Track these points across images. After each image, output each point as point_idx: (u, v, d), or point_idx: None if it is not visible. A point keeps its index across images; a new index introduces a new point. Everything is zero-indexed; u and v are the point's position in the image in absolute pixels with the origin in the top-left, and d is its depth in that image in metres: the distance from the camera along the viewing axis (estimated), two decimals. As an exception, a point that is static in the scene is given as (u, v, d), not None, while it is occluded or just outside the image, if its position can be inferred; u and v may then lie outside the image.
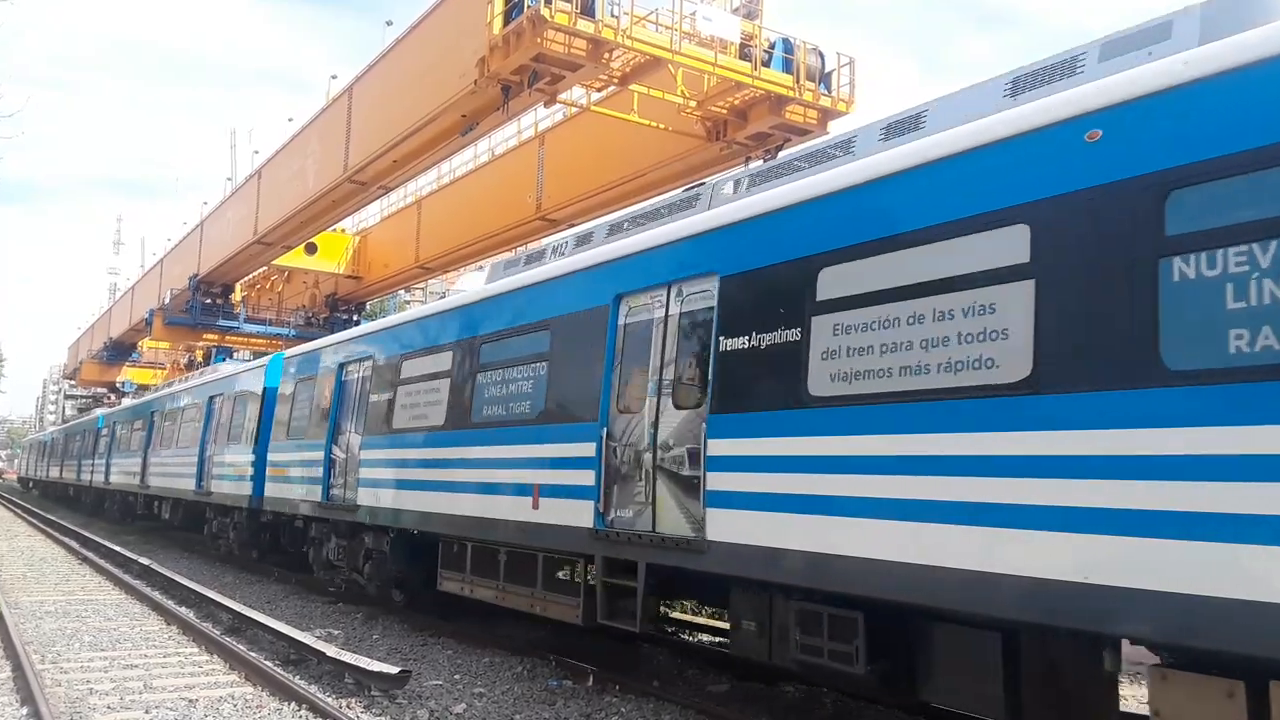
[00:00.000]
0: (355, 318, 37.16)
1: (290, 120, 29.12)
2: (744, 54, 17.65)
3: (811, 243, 6.68)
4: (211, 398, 21.40)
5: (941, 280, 5.71)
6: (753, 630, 7.10)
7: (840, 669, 6.33)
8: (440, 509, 11.06)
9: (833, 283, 6.47)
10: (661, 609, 11.40)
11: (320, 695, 8.59)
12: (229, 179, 43.50)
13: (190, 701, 8.56)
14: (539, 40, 15.81)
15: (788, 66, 17.94)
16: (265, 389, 17.77)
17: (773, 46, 17.95)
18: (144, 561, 18.13)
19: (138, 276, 52.19)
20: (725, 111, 18.72)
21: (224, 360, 35.11)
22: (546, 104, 19.06)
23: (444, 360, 11.45)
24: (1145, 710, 5.58)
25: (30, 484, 64.53)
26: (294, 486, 15.38)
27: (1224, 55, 4.72)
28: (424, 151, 21.38)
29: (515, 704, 8.76)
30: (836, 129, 18.97)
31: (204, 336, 38.33)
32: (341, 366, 14.35)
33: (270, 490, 16.58)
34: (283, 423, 16.19)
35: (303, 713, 8.23)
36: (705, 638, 12.23)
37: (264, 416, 17.42)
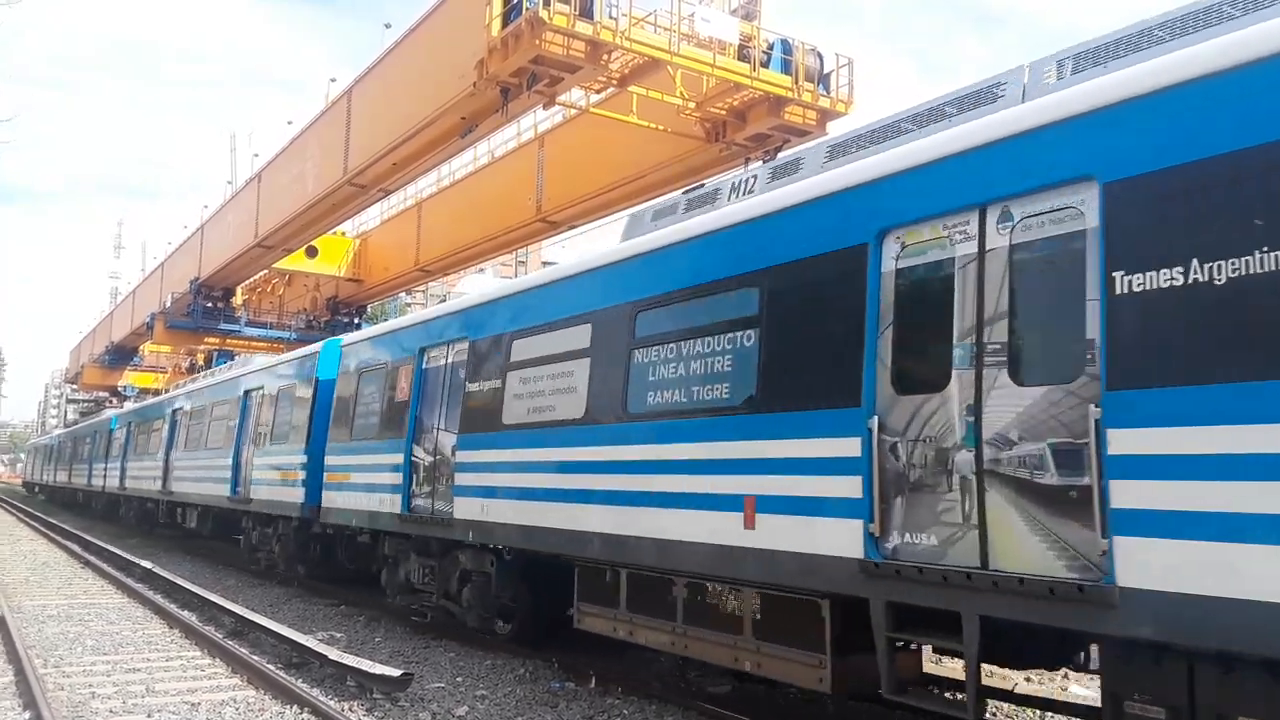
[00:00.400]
0: (356, 321, 37.18)
1: (290, 123, 29.13)
2: (742, 55, 17.65)
3: None
4: (247, 393, 19.17)
5: None
6: None
7: None
8: (578, 525, 8.82)
9: None
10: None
11: (323, 698, 8.61)
12: (229, 182, 43.58)
13: (193, 705, 8.58)
14: (537, 42, 15.82)
15: (786, 67, 17.94)
16: (317, 381, 15.60)
17: (771, 47, 17.95)
18: (146, 565, 18.14)
19: (139, 280, 52.24)
20: (724, 113, 18.72)
21: (225, 363, 35.16)
22: (545, 106, 19.06)
23: (577, 336, 9.21)
24: None
25: (36, 489, 62.74)
26: (361, 495, 13.25)
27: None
28: (423, 154, 21.39)
29: (517, 706, 8.77)
30: (835, 130, 19.01)
31: (205, 340, 38.34)
32: (423, 352, 12.11)
33: (329, 499, 14.46)
34: (344, 420, 14.13)
35: (305, 716, 8.24)
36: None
37: (316, 413, 15.33)
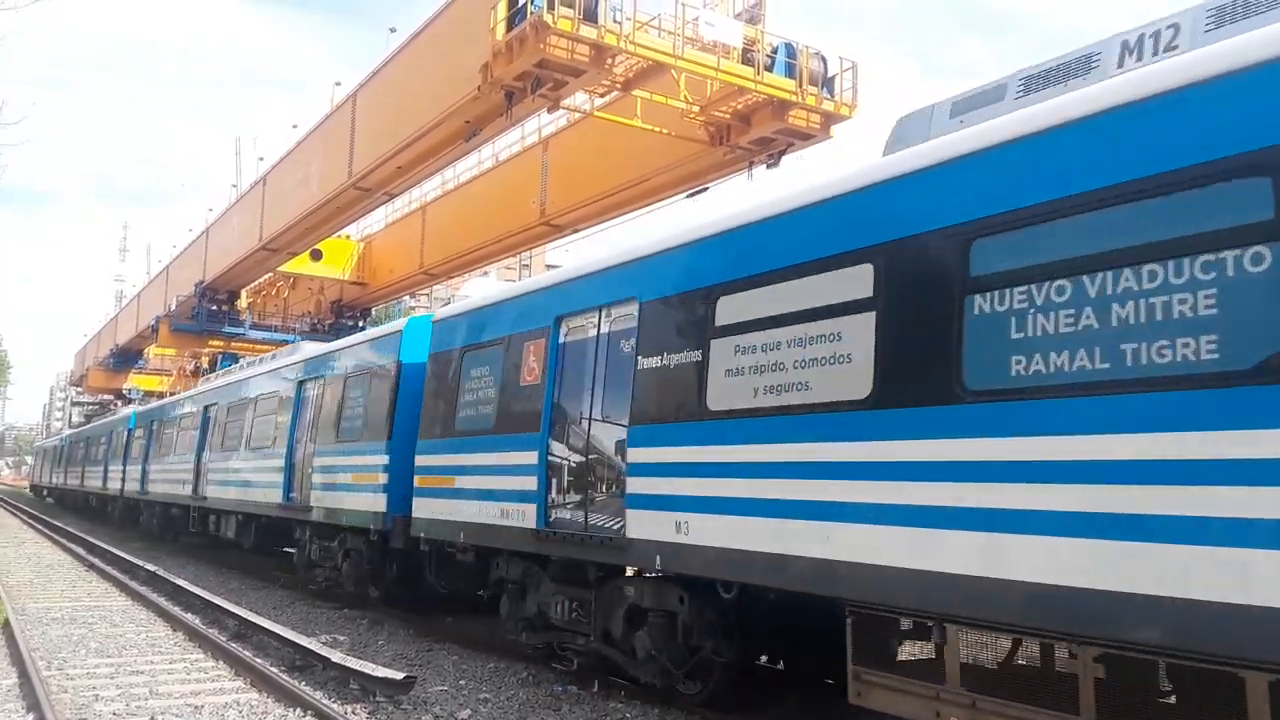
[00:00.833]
0: (361, 324, 37.23)
1: (295, 127, 29.15)
2: (746, 59, 17.66)
3: None
4: (302, 383, 16.57)
5: None
6: None
7: None
8: (861, 555, 6.14)
9: None
10: None
11: (325, 701, 8.62)
12: (234, 185, 43.70)
13: (196, 708, 8.58)
14: (542, 46, 15.85)
15: (790, 71, 17.95)
16: (400, 366, 13.15)
17: (775, 51, 17.96)
18: (150, 568, 18.17)
19: (144, 283, 52.36)
20: (728, 116, 18.74)
21: (231, 365, 35.18)
22: (550, 110, 19.10)
23: (847, 283, 6.55)
24: None
25: (45, 492, 59.22)
26: (471, 504, 10.69)
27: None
28: (428, 158, 21.43)
29: (520, 709, 8.77)
30: (840, 133, 19.03)
31: (210, 343, 38.40)
32: (561, 321, 9.62)
33: (422, 508, 11.78)
34: (442, 411, 11.61)
35: (308, 719, 8.24)
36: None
37: (400, 404, 12.91)
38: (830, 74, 18.41)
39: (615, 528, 8.38)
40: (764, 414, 7.02)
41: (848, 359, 6.49)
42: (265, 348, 37.53)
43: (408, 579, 13.37)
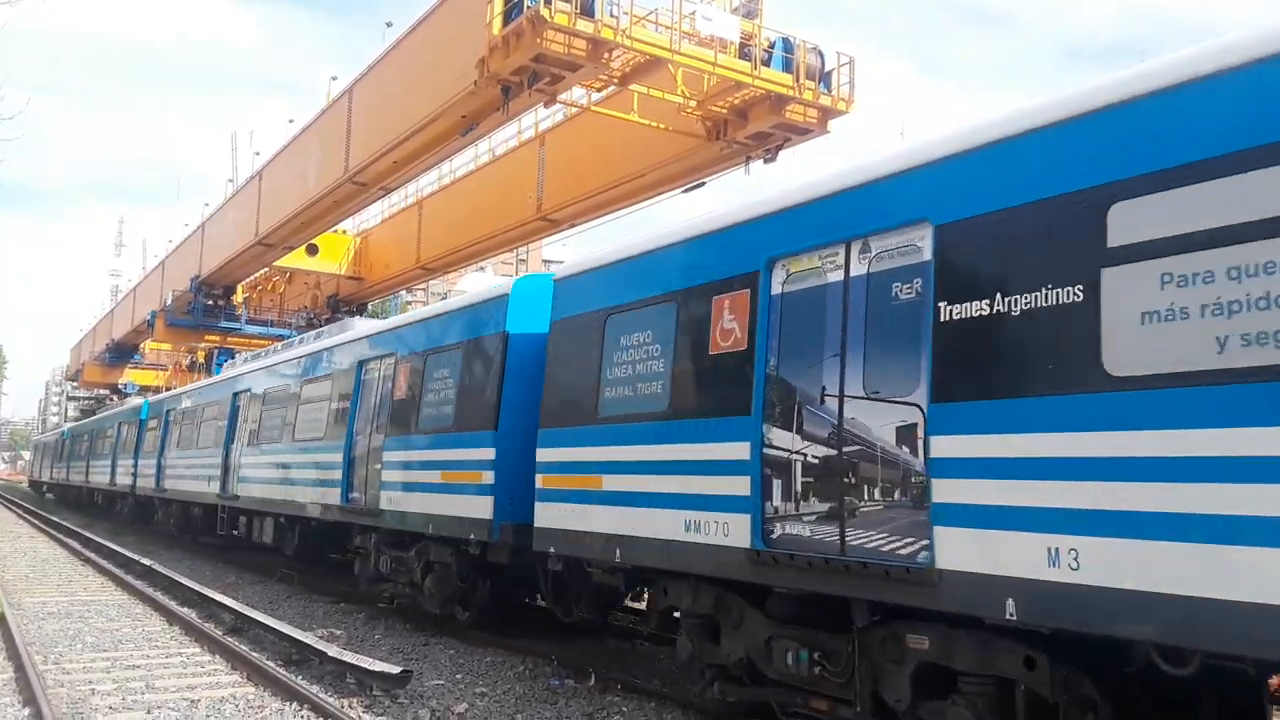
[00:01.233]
0: (357, 319, 37.20)
1: (291, 122, 29.12)
2: (744, 53, 17.68)
3: None
4: (363, 363, 13.97)
5: None
6: None
7: None
8: None
9: None
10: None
11: (322, 695, 8.61)
12: (230, 180, 43.62)
13: (192, 702, 8.58)
14: (539, 40, 15.84)
15: (788, 66, 17.96)
16: (507, 339, 10.61)
17: (772, 46, 17.98)
18: (146, 562, 18.15)
19: (139, 278, 52.30)
20: (725, 111, 18.74)
21: (227, 360, 35.14)
22: (546, 104, 19.10)
23: None
24: None
25: (45, 488, 56.57)
26: (633, 513, 8.09)
27: None
28: (424, 152, 21.41)
29: (517, 703, 8.77)
30: (837, 128, 19.04)
31: (206, 338, 38.42)
32: (775, 265, 7.05)
33: (554, 515, 9.13)
34: (576, 393, 9.12)
35: (305, 713, 8.24)
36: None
37: (507, 385, 10.47)
38: (828, 69, 18.42)
39: (908, 552, 5.78)
40: (1242, 378, 4.32)
41: None
42: (261, 342, 37.46)
43: (504, 599, 11.58)
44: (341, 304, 37.87)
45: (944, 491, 5.57)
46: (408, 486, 12.12)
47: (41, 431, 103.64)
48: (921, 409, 5.78)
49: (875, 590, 6.04)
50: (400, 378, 12.75)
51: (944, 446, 5.63)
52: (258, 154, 34.33)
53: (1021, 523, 5.13)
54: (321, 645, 10.09)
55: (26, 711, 8.19)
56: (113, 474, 32.16)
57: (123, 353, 53.39)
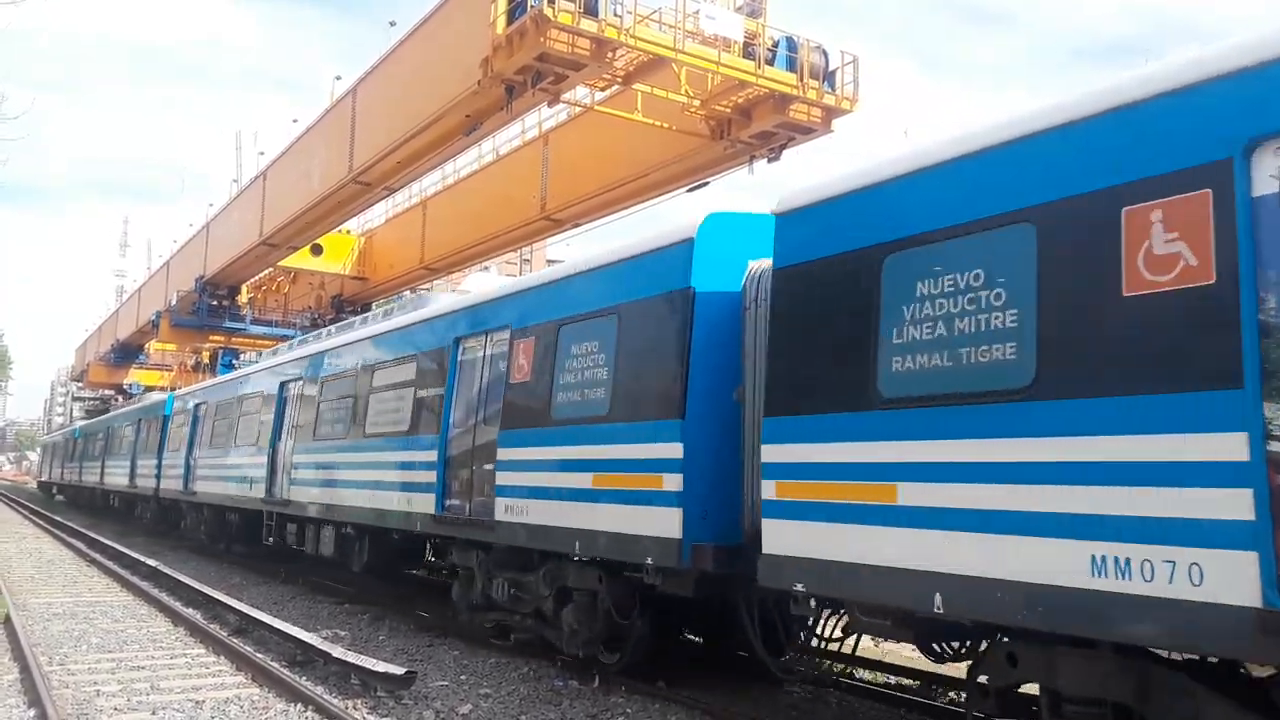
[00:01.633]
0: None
1: (295, 121, 29.10)
2: (747, 53, 17.64)
3: None
4: (460, 341, 11.54)
5: None
6: None
7: None
8: None
9: None
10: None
11: (326, 696, 8.61)
12: (234, 180, 43.66)
13: (197, 703, 8.58)
14: (542, 40, 15.82)
15: (791, 65, 17.93)
16: (693, 299, 8.07)
17: (776, 45, 17.94)
18: (151, 563, 18.17)
19: (144, 278, 52.35)
20: (729, 110, 18.71)
21: (231, 361, 35.14)
22: (550, 104, 19.07)
23: None
24: None
25: (55, 490, 54.94)
26: (971, 542, 5.57)
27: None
28: (428, 152, 21.39)
29: (521, 704, 8.76)
30: (841, 127, 19.00)
31: (210, 338, 38.43)
32: (1256, 147, 4.54)
33: (802, 538, 6.73)
34: (833, 366, 6.72)
35: (309, 713, 8.24)
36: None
37: (695, 360, 7.97)
38: (831, 68, 18.38)
39: None
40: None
41: None
42: (266, 342, 37.53)
43: (662, 637, 9.55)
44: (346, 304, 37.88)
45: None
46: (538, 493, 9.56)
47: (47, 432, 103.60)
48: None
49: None
50: (519, 356, 10.23)
51: None
52: (262, 154, 34.36)
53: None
54: (326, 646, 10.10)
55: (32, 712, 8.20)
56: (132, 475, 29.86)
57: (128, 353, 53.44)
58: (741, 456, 7.76)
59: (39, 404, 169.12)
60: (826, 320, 6.78)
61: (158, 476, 26.30)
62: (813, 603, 6.80)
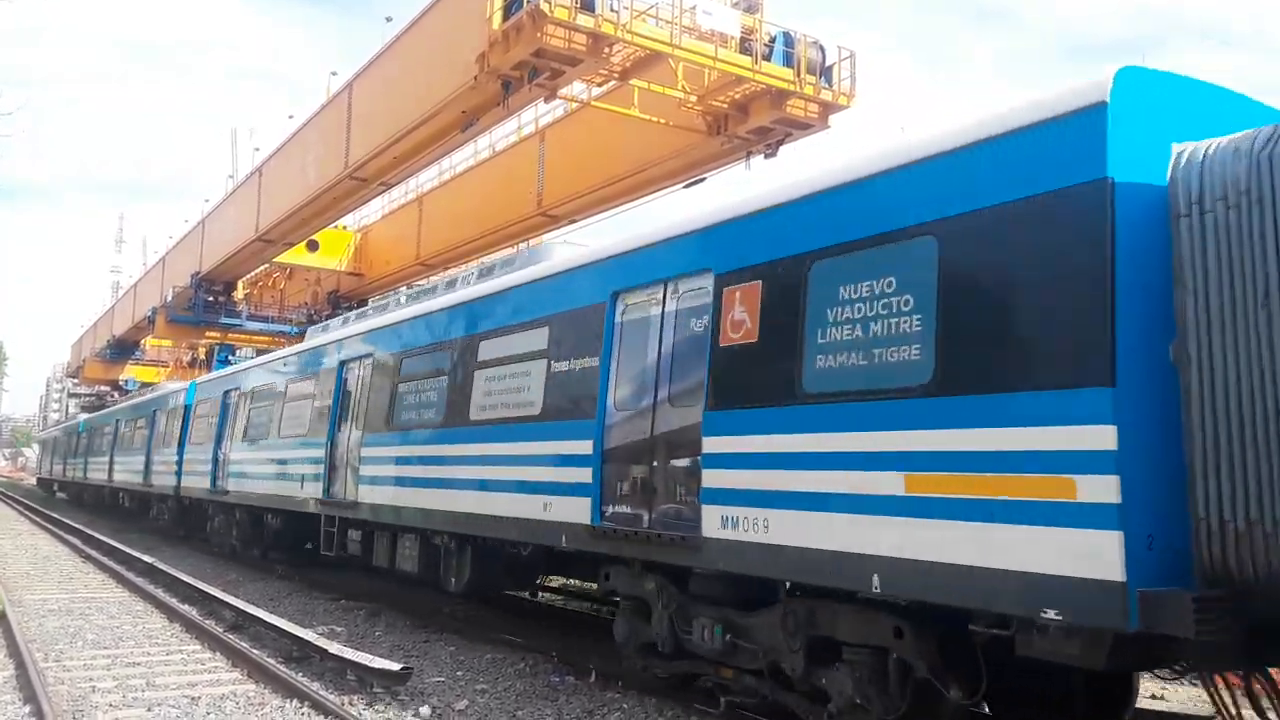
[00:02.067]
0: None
1: (291, 117, 29.01)
2: (744, 48, 17.63)
3: None
4: (617, 296, 8.92)
5: None
6: None
7: None
8: None
9: None
10: None
11: (322, 692, 8.60)
12: (230, 176, 43.58)
13: (193, 699, 8.57)
14: (539, 35, 15.80)
15: (788, 60, 17.91)
16: (1113, 192, 5.20)
17: (773, 40, 17.93)
18: (147, 560, 18.15)
19: (140, 274, 52.26)
20: (726, 106, 18.69)
21: (227, 357, 35.10)
22: (547, 99, 19.03)
23: None
24: None
25: (56, 487, 52.85)
26: None
27: None
28: (424, 148, 21.35)
29: (517, 700, 8.76)
30: (838, 123, 18.99)
31: (206, 334, 38.40)
32: None
33: None
34: None
35: (305, 709, 8.23)
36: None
37: (1126, 295, 5.12)
38: (828, 63, 18.38)
39: None
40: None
41: None
42: (261, 339, 37.57)
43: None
44: (342, 300, 37.83)
45: None
46: (786, 500, 6.77)
47: (43, 428, 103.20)
48: None
49: None
50: (734, 309, 7.46)
51: None
52: (257, 150, 34.25)
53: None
54: (322, 642, 10.09)
55: (27, 709, 8.18)
56: (147, 471, 27.10)
57: (124, 349, 53.35)
58: (1187, 448, 5.06)
59: (35, 400, 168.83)
60: None
61: (178, 474, 23.49)
62: None
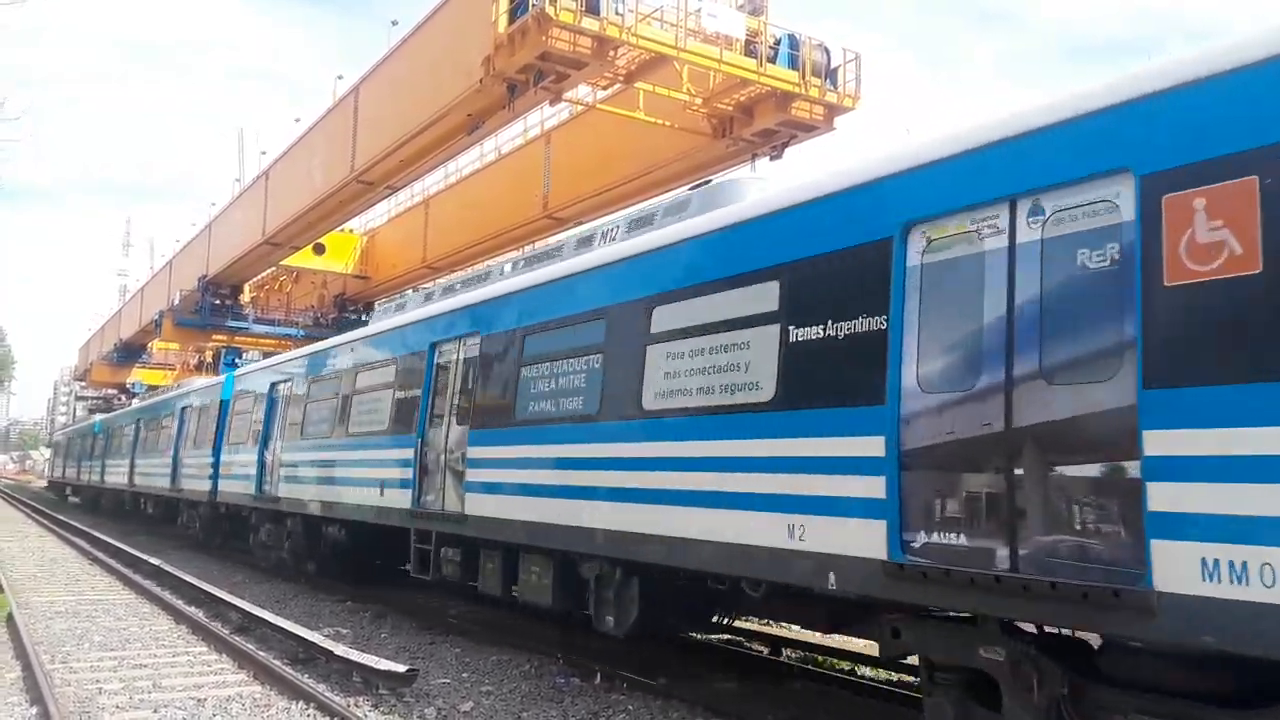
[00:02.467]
0: (364, 318, 37.23)
1: (297, 121, 29.09)
2: (749, 50, 17.65)
3: None
4: (910, 227, 6.17)
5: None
6: None
7: None
8: None
9: None
10: None
11: (328, 694, 8.61)
12: (237, 180, 43.72)
13: (199, 701, 8.58)
14: (544, 38, 15.83)
15: (793, 62, 17.93)
16: None
17: (778, 43, 17.95)
18: (154, 562, 18.18)
19: (147, 278, 52.41)
20: (731, 108, 18.71)
21: (234, 362, 35.14)
22: (552, 102, 19.09)
23: None
24: None
25: (69, 491, 49.73)
26: None
27: None
28: (430, 151, 21.39)
29: (523, 702, 8.76)
30: (843, 125, 18.99)
31: (213, 337, 38.47)
32: None
33: None
34: None
35: (311, 711, 8.24)
36: (714, 636, 12.20)
37: None
38: (833, 65, 18.39)
39: None
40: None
41: None
42: (268, 342, 37.63)
43: None
44: (348, 303, 37.94)
45: None
46: None
47: (50, 431, 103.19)
48: None
49: None
50: (1194, 226, 4.77)
51: None
52: (264, 153, 34.34)
53: None
54: (328, 644, 10.10)
55: (34, 710, 8.21)
56: (175, 475, 24.49)
57: (131, 352, 53.48)
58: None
59: (42, 404, 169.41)
60: None
61: (214, 477, 20.84)
62: None
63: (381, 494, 12.73)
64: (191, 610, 13.34)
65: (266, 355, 30.15)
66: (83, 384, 69.14)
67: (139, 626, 12.53)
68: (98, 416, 45.21)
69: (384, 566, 15.14)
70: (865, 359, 6.27)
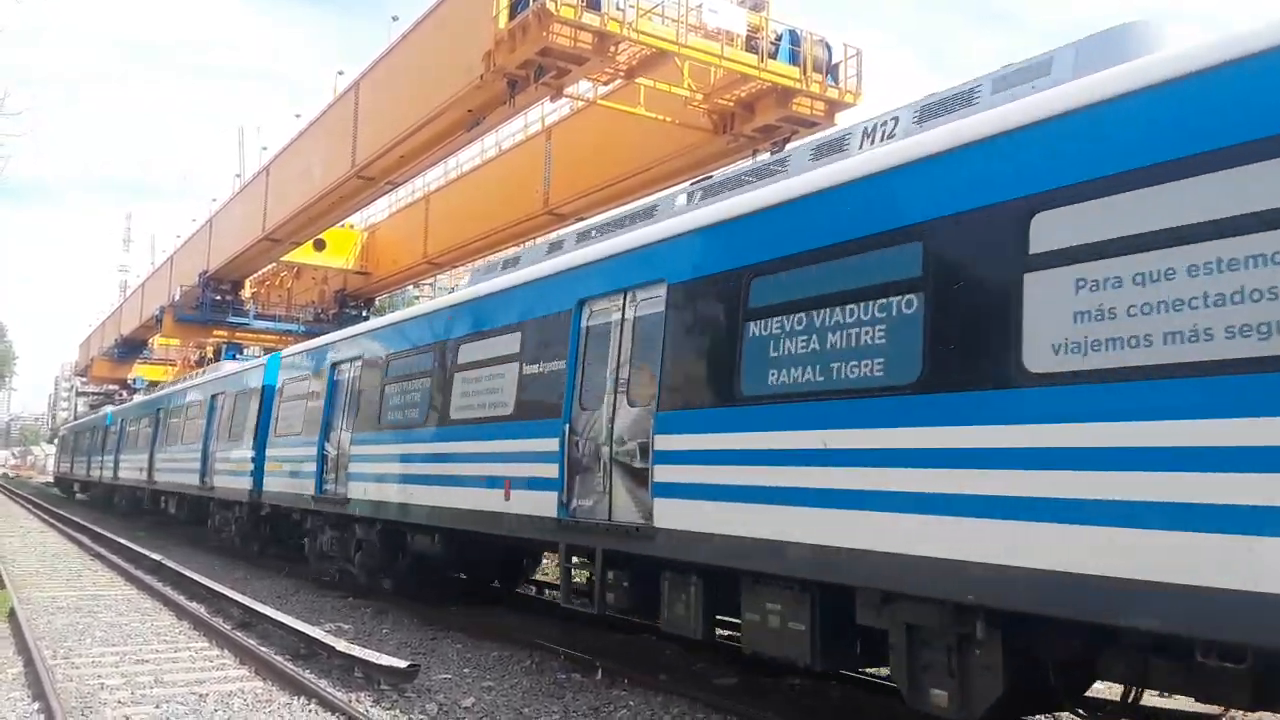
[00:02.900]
0: (365, 313, 37.29)
1: (298, 116, 29.09)
2: (750, 46, 17.64)
3: None
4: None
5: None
6: None
7: None
8: None
9: None
10: None
11: (330, 689, 8.63)
12: (237, 175, 43.71)
13: (200, 696, 8.60)
14: (545, 34, 15.82)
15: (794, 58, 17.92)
16: None
17: (779, 38, 17.94)
18: (156, 557, 18.19)
19: (148, 273, 52.42)
20: (732, 104, 18.71)
21: (235, 357, 35.17)
22: (553, 98, 19.09)
23: None
24: None
25: (76, 487, 47.58)
26: None
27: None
28: (431, 147, 21.40)
29: (524, 697, 8.77)
30: (844, 121, 18.97)
31: (214, 333, 38.53)
32: None
33: None
34: None
35: (312, 706, 8.25)
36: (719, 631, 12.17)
37: None
38: (834, 61, 18.38)
39: None
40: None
41: None
42: (269, 337, 37.65)
43: None
44: (349, 299, 38.00)
45: None
46: None
47: (51, 427, 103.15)
48: None
49: None
50: None
51: None
52: (265, 149, 34.37)
53: None
54: (329, 639, 10.11)
55: (36, 705, 8.21)
56: (204, 471, 21.84)
57: (132, 348, 53.54)
58: None
59: (43, 399, 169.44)
60: None
61: (256, 474, 18.19)
62: None
63: (507, 498, 10.00)
64: (193, 606, 13.36)
65: (267, 351, 29.78)
66: (84, 379, 69.22)
67: (141, 622, 12.55)
68: (109, 408, 42.65)
69: (469, 582, 13.38)
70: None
